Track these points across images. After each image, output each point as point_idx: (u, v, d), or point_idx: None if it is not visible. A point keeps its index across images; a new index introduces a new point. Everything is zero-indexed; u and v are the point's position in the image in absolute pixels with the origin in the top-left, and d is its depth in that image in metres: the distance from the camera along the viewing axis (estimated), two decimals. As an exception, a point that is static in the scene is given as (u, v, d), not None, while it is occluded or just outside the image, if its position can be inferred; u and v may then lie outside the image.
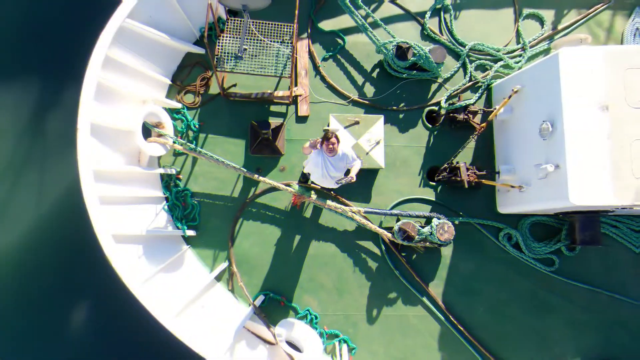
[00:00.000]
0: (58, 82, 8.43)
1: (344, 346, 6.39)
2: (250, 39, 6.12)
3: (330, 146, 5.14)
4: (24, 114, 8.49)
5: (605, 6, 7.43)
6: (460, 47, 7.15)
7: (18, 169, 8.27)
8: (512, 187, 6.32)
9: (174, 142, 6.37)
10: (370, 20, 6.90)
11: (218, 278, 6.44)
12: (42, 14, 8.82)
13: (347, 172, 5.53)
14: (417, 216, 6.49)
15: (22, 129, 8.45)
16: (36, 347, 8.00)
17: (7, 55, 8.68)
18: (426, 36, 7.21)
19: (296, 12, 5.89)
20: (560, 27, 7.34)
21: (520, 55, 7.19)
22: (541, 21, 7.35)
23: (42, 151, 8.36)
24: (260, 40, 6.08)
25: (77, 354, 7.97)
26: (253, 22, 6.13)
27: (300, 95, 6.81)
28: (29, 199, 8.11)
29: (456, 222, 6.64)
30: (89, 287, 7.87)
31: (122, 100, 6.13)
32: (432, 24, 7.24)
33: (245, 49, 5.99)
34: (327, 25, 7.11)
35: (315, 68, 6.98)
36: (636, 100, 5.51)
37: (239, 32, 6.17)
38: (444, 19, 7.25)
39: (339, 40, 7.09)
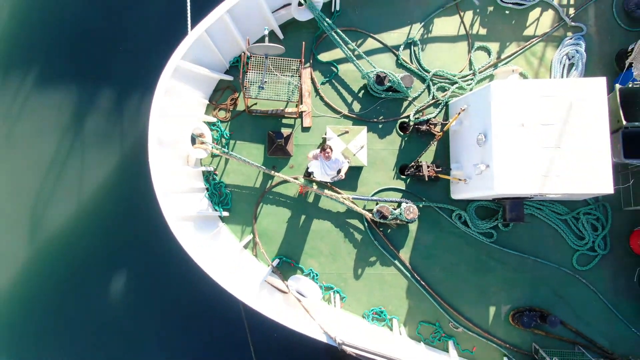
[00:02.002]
0: (129, 97, 11.03)
1: (337, 295, 8.81)
2: (268, 74, 8.38)
3: (327, 154, 7.47)
4: (100, 120, 11.26)
5: (538, 40, 9.65)
6: (425, 72, 9.40)
7: (95, 163, 10.94)
8: (460, 180, 8.63)
9: (212, 147, 8.68)
10: (357, 53, 9.15)
11: (245, 246, 8.83)
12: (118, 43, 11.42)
13: (339, 171, 7.87)
14: (391, 201, 8.84)
15: (98, 131, 11.15)
16: (114, 303, 10.61)
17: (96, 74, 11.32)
18: (400, 64, 9.45)
19: (302, 56, 8.16)
20: (503, 56, 9.57)
21: (471, 79, 9.44)
22: (488, 52, 9.57)
23: (113, 149, 10.95)
24: (276, 75, 8.35)
25: (146, 307, 10.60)
26: (270, 58, 8.39)
27: (304, 111, 9.09)
28: (106, 189, 10.72)
29: (420, 205, 8.98)
30: (153, 255, 10.42)
31: (176, 117, 8.41)
32: (404, 55, 9.47)
33: (265, 82, 8.26)
34: (324, 57, 9.36)
35: (316, 90, 9.25)
36: (544, 120, 7.76)
37: (260, 66, 8.43)
38: (414, 51, 9.48)
39: (334, 69, 9.35)
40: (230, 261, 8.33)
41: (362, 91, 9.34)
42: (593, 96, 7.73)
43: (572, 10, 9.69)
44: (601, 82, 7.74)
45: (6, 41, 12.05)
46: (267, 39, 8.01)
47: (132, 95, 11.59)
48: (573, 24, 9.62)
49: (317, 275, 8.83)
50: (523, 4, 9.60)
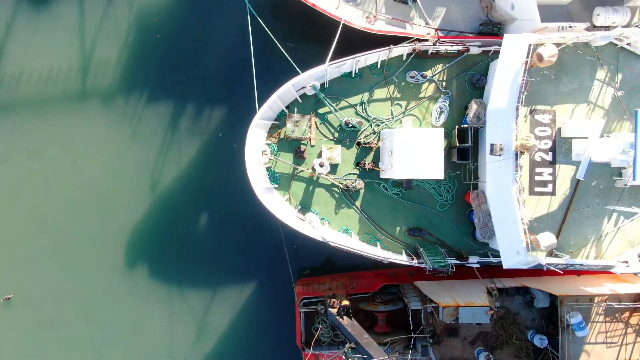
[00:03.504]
0: (209, 108, 21.84)
1: (327, 222, 19.53)
2: (295, 122, 18.69)
3: (321, 164, 17.97)
4: (191, 122, 21.92)
5: (426, 99, 19.69)
6: (369, 116, 19.57)
7: (191, 150, 21.79)
8: (382, 170, 19.05)
9: (270, 156, 19.05)
10: (336, 108, 19.33)
11: (286, 200, 19.49)
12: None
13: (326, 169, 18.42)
14: (351, 179, 19.35)
15: (191, 130, 21.92)
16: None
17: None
18: (357, 114, 19.61)
19: (310, 115, 18.48)
20: (408, 108, 19.67)
21: (392, 121, 19.60)
22: (401, 106, 19.65)
23: (197, 141, 21.79)
24: (299, 123, 18.68)
25: (228, 231, 21.86)
26: (296, 119, 18.66)
27: (312, 137, 19.41)
28: (198, 165, 21.86)
29: (365, 180, 19.44)
30: (243, 213, 21.63)
31: (254, 145, 18.77)
32: (359, 109, 19.62)
33: (295, 128, 18.58)
34: (321, 111, 19.54)
35: (317, 127, 19.53)
36: (416, 147, 17.99)
37: (293, 122, 18.69)
38: (364, 106, 19.59)
39: (325, 116, 19.58)
40: (280, 207, 18.97)
41: (339, 127, 19.63)
42: (436, 137, 17.99)
43: (444, 83, 19.70)
44: (439, 131, 18.01)
45: (134, 70, 22.68)
46: (296, 110, 18.37)
47: (208, 106, 22.54)
48: (444, 90, 19.64)
49: (318, 212, 19.50)
50: (419, 82, 19.62)
